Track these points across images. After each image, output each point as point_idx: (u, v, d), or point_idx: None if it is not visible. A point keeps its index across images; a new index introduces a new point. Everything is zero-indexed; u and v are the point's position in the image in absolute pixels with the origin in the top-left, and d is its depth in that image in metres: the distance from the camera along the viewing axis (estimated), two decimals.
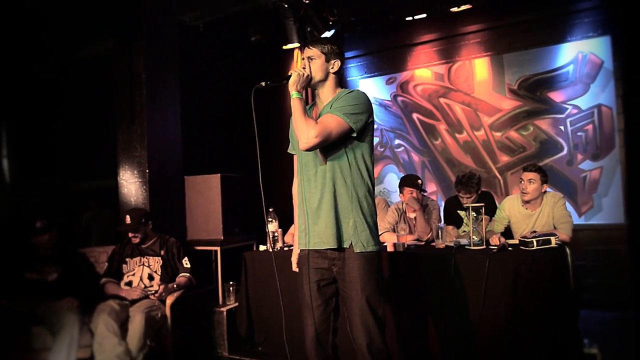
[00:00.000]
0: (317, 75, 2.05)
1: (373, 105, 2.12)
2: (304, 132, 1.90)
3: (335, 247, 1.99)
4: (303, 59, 2.08)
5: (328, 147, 1.99)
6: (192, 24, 5.17)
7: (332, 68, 2.08)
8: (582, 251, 4.27)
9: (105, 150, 4.24)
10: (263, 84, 2.03)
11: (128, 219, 3.33)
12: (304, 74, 2.00)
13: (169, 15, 4.26)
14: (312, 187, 2.05)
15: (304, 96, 2.03)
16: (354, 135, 1.98)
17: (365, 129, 2.02)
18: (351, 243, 1.99)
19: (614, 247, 4.38)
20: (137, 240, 3.34)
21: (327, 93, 2.10)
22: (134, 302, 3.09)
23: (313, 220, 2.04)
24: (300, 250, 2.13)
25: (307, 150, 1.95)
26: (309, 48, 2.06)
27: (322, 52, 2.05)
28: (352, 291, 1.98)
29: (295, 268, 2.27)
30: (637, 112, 4.17)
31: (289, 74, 2.01)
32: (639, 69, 4.10)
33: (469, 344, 2.76)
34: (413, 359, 2.91)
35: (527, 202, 3.39)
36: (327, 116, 1.96)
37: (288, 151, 2.28)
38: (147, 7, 3.97)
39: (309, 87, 2.09)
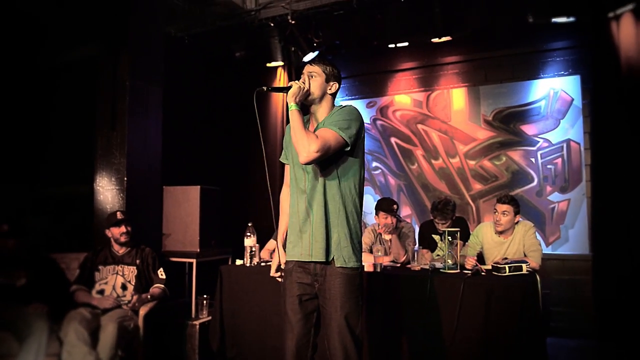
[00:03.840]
0: (315, 93, 2.10)
1: None
2: (304, 146, 1.91)
3: (317, 260, 2.02)
4: (303, 74, 2.13)
5: (320, 161, 2.01)
6: (178, 35, 5.20)
7: (330, 89, 2.14)
8: (548, 280, 4.41)
9: (81, 155, 4.16)
10: (265, 88, 2.08)
11: (120, 215, 3.30)
12: (304, 87, 2.05)
13: (156, 25, 4.26)
14: (301, 199, 2.08)
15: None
16: (347, 149, 2.02)
17: (357, 144, 2.06)
18: (333, 257, 2.02)
19: (578, 277, 4.52)
20: (126, 238, 3.29)
21: (322, 112, 2.14)
22: (105, 311, 3.02)
23: (300, 232, 2.06)
24: (286, 262, 2.15)
25: (307, 164, 1.97)
26: (311, 65, 2.11)
27: (324, 72, 2.11)
28: (331, 308, 2.00)
29: (273, 273, 2.25)
30: (603, 149, 4.36)
31: (289, 84, 2.05)
32: (605, 108, 4.31)
33: None
34: None
35: (501, 232, 3.50)
36: (324, 130, 1.99)
37: (280, 160, 2.30)
38: (135, 14, 3.95)
39: (306, 103, 2.12)
